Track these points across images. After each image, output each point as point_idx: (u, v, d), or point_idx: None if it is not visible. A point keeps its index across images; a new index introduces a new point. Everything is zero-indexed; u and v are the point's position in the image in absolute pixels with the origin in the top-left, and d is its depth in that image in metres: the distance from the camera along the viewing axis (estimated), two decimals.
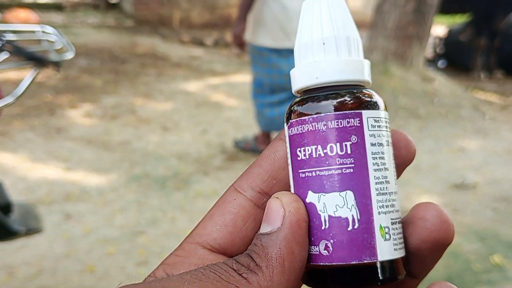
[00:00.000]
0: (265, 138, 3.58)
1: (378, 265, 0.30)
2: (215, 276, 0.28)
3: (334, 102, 0.31)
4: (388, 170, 0.32)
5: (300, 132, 0.32)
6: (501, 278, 2.10)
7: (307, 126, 0.31)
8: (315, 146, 0.31)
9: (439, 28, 10.13)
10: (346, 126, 0.31)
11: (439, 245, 0.32)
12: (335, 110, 0.31)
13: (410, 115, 4.67)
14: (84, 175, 3.07)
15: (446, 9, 6.97)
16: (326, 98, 0.32)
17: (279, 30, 3.15)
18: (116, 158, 3.43)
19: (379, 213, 0.31)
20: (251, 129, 3.98)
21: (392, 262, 0.31)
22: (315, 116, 0.31)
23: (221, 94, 5.37)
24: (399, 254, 0.31)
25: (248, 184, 0.34)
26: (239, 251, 0.33)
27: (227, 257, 0.33)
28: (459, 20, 9.62)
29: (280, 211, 0.30)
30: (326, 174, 0.31)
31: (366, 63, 0.34)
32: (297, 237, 0.30)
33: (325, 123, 0.31)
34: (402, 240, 0.32)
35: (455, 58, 8.34)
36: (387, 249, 0.30)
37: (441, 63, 8.70)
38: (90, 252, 2.21)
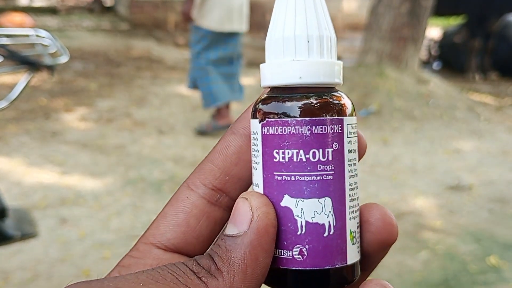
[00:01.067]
0: (222, 112, 4.08)
1: (347, 268, 0.31)
2: (172, 277, 0.27)
3: (319, 106, 0.31)
4: (357, 176, 0.32)
5: (280, 133, 0.31)
6: (497, 279, 2.11)
7: (289, 129, 0.30)
8: (297, 150, 0.30)
9: (434, 30, 10.17)
10: (329, 132, 0.30)
11: (383, 246, 0.33)
12: (321, 115, 0.30)
13: (405, 116, 4.68)
14: (80, 179, 3.06)
15: (440, 11, 7.00)
16: (310, 101, 0.31)
17: (225, 15, 3.77)
18: (112, 162, 3.42)
19: (350, 218, 0.31)
20: None
21: (355, 264, 0.32)
22: (299, 119, 0.30)
23: None
24: (359, 255, 0.32)
25: (201, 181, 0.33)
26: (194, 250, 0.32)
27: (183, 256, 0.32)
28: (453, 22, 9.66)
29: (248, 214, 0.29)
30: (307, 180, 0.30)
31: (341, 65, 0.33)
32: (264, 243, 0.29)
33: (309, 127, 0.30)
34: (360, 242, 0.33)
35: (450, 59, 8.38)
36: (353, 253, 0.31)
37: (436, 65, 8.74)
38: (86, 256, 2.20)
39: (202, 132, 4.06)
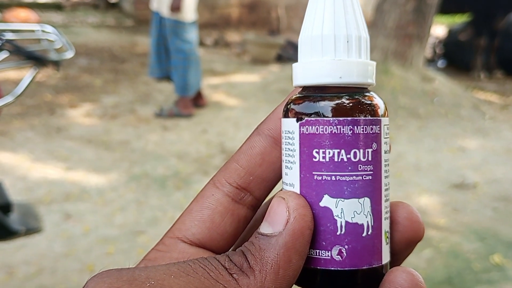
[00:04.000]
0: (187, 102, 4.45)
1: (382, 268, 0.31)
2: (203, 271, 0.27)
3: (360, 106, 0.31)
4: (389, 176, 0.32)
5: (321, 133, 0.30)
6: (501, 278, 2.10)
7: (330, 128, 0.30)
8: (338, 150, 0.30)
9: (439, 28, 10.13)
10: (369, 132, 0.30)
11: (410, 243, 0.33)
12: (361, 115, 0.30)
13: (410, 114, 4.67)
14: (84, 175, 3.07)
15: (446, 9, 6.97)
16: (350, 101, 0.31)
17: (193, 5, 4.26)
18: (116, 157, 3.43)
19: (385, 218, 0.31)
20: (251, 129, 3.98)
21: (388, 264, 0.32)
22: (341, 119, 0.30)
23: (221, 93, 5.37)
24: (389, 255, 0.32)
25: (226, 179, 0.34)
26: (218, 246, 0.33)
27: (207, 251, 0.33)
28: (458, 20, 9.62)
29: (284, 215, 0.29)
30: (347, 179, 0.30)
31: (374, 65, 0.33)
32: (298, 246, 0.28)
33: (351, 127, 0.30)
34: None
35: (455, 57, 8.35)
36: (387, 253, 0.31)
37: (441, 63, 8.71)
38: (90, 251, 2.21)
39: (160, 116, 4.41)
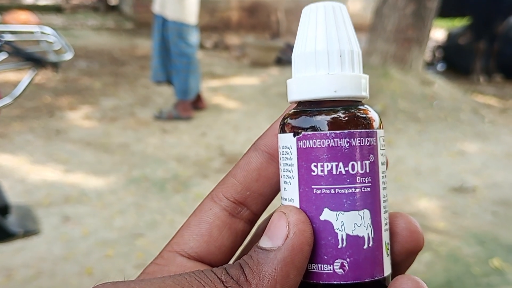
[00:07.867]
0: (186, 105, 4.46)
1: (384, 280, 0.31)
2: (198, 284, 0.27)
3: (355, 119, 0.31)
4: (387, 188, 0.32)
5: (318, 146, 0.30)
6: (501, 282, 2.10)
7: (327, 141, 0.30)
8: (336, 163, 0.30)
9: (439, 32, 10.14)
10: (366, 144, 0.31)
11: (410, 254, 0.33)
12: (358, 128, 0.31)
13: (409, 118, 4.67)
14: (83, 178, 3.06)
15: (445, 12, 6.98)
16: (346, 114, 0.31)
17: (195, 8, 4.25)
18: (115, 160, 3.42)
19: (384, 230, 0.31)
20: (251, 132, 3.98)
21: (389, 276, 0.32)
22: (338, 132, 0.30)
23: (221, 96, 5.37)
24: (391, 267, 0.32)
25: (223, 194, 0.34)
26: (216, 259, 0.33)
27: (205, 265, 0.33)
28: (458, 23, 9.64)
29: (284, 230, 0.29)
30: (347, 192, 0.30)
31: (367, 79, 0.34)
32: (297, 261, 0.28)
33: (348, 140, 0.30)
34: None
35: (455, 61, 8.36)
36: (388, 265, 0.31)
37: (440, 67, 8.72)
38: (89, 254, 2.20)
39: (160, 118, 4.43)
